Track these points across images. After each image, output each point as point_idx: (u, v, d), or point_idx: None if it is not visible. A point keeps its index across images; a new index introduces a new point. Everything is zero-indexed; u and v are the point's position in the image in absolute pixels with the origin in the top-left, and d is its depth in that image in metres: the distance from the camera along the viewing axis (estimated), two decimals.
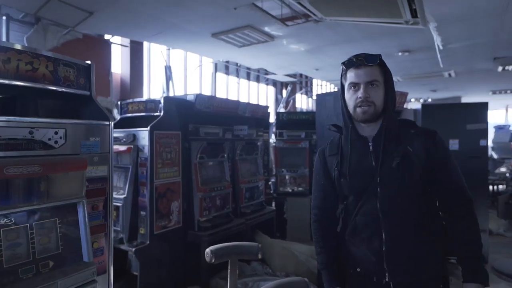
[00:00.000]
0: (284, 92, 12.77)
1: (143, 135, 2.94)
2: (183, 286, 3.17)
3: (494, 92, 13.63)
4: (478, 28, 5.71)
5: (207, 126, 3.51)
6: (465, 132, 4.10)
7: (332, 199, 1.44)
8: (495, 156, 9.23)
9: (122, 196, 2.89)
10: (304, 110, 14.22)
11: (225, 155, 3.73)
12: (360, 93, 1.29)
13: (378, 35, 6.06)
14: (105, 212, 1.45)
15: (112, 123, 1.49)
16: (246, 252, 1.81)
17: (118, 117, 3.52)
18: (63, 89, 1.36)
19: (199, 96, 3.35)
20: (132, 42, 7.30)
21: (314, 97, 14.82)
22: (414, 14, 4.27)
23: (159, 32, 5.70)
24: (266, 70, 9.83)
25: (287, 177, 5.18)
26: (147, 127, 2.91)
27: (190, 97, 3.33)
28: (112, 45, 7.10)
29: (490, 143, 8.56)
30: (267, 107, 4.80)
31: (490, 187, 7.07)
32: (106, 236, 1.45)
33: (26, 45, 4.82)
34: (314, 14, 4.60)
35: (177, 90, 7.78)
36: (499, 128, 10.38)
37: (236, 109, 3.98)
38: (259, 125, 4.48)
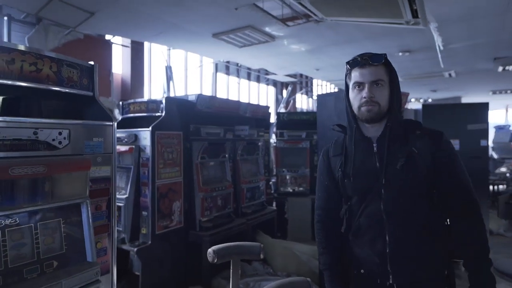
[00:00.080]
0: (285, 92, 12.77)
1: (145, 135, 2.94)
2: (184, 286, 3.18)
3: (494, 92, 13.64)
4: (479, 28, 5.71)
5: (208, 126, 3.52)
6: (465, 132, 4.11)
7: (336, 200, 1.43)
8: (495, 156, 9.23)
9: (124, 196, 2.89)
10: (305, 110, 14.23)
11: (226, 155, 3.74)
12: (364, 93, 1.27)
13: (378, 35, 6.06)
14: (108, 212, 1.46)
15: (115, 124, 1.50)
16: (248, 252, 1.81)
17: (119, 117, 3.53)
18: (67, 90, 1.37)
19: (200, 97, 3.36)
20: (132, 42, 7.31)
21: (315, 97, 14.84)
22: (415, 14, 4.27)
23: (160, 32, 5.70)
24: (266, 70, 9.84)
25: (287, 177, 5.18)
26: (148, 128, 2.92)
27: (192, 98, 3.34)
28: (113, 45, 7.11)
29: (490, 143, 8.55)
30: (267, 107, 4.80)
31: (490, 187, 7.07)
32: (109, 236, 1.46)
33: (27, 45, 4.83)
34: (315, 14, 4.60)
35: (177, 90, 7.78)
36: (499, 128, 10.39)
37: (237, 109, 3.99)
38: (260, 125, 4.49)
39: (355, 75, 1.30)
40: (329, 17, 4.70)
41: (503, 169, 8.03)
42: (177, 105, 3.22)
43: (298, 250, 3.71)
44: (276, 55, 7.52)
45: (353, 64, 1.31)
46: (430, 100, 15.56)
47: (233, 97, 10.69)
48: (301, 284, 1.32)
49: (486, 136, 4.31)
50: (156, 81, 8.29)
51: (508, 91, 13.22)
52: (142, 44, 7.63)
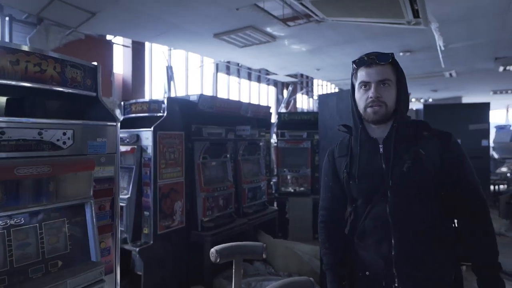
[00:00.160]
0: (285, 92, 12.78)
1: (147, 135, 2.95)
2: (186, 285, 3.18)
3: (495, 92, 13.64)
4: (480, 28, 5.71)
5: (209, 127, 3.52)
6: (467, 132, 4.12)
7: (340, 201, 1.41)
8: (496, 156, 9.23)
9: (126, 196, 2.89)
10: (305, 110, 14.23)
11: (228, 155, 3.74)
12: (371, 93, 1.24)
13: (379, 36, 6.07)
14: (111, 212, 1.46)
15: (119, 124, 1.50)
16: (251, 252, 1.81)
17: (120, 117, 3.53)
18: (70, 90, 1.37)
19: (202, 97, 3.36)
20: (133, 42, 7.31)
21: (315, 97, 14.84)
22: (416, 14, 4.28)
23: (161, 32, 5.71)
24: (267, 70, 9.85)
25: (288, 177, 5.19)
26: (150, 128, 2.92)
27: (193, 98, 3.34)
28: (114, 45, 7.11)
29: (491, 143, 8.56)
30: (269, 107, 4.81)
31: (491, 187, 7.07)
32: (113, 236, 1.46)
33: (28, 45, 4.83)
34: (316, 15, 4.61)
35: (178, 91, 7.79)
36: (500, 128, 10.40)
37: (239, 109, 3.99)
38: (261, 125, 4.49)
39: (361, 74, 1.27)
40: (330, 17, 4.71)
41: (504, 169, 8.03)
42: (178, 105, 3.22)
43: (299, 250, 3.72)
44: (277, 55, 7.53)
45: (359, 63, 1.28)
46: (430, 100, 15.56)
47: (233, 97, 10.69)
48: (304, 284, 1.31)
49: (487, 136, 4.31)
50: (157, 81, 8.30)
51: (509, 91, 13.23)
52: (143, 44, 7.63)
